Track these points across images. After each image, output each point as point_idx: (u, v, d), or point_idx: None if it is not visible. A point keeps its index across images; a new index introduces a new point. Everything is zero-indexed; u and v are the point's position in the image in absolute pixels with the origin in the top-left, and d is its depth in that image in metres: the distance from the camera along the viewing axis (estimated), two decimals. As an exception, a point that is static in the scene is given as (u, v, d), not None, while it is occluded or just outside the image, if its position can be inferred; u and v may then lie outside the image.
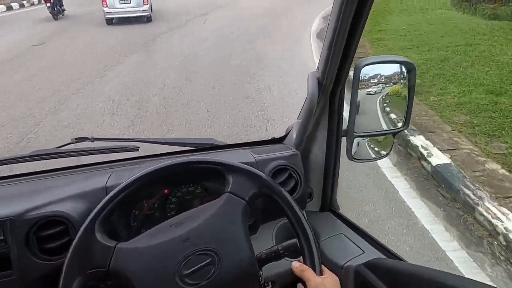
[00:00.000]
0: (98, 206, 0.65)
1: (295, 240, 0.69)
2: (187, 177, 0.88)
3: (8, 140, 3.76)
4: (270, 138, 1.07)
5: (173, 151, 1.03)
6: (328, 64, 0.75)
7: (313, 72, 0.82)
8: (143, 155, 1.04)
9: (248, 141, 1.06)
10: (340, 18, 0.65)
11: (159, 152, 1.04)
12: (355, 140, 0.91)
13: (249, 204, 0.67)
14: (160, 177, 0.71)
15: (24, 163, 1.00)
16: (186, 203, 0.88)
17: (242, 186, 0.68)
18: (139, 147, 1.02)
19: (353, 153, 0.92)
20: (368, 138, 0.97)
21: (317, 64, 0.82)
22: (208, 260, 0.60)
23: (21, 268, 0.72)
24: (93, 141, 1.07)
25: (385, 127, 0.95)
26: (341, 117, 0.88)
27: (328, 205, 1.00)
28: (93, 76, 5.81)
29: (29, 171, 0.96)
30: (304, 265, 0.67)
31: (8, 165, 1.03)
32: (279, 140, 1.04)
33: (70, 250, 0.61)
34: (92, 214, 0.64)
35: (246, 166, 0.71)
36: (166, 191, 0.86)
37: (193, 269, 0.59)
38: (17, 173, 0.97)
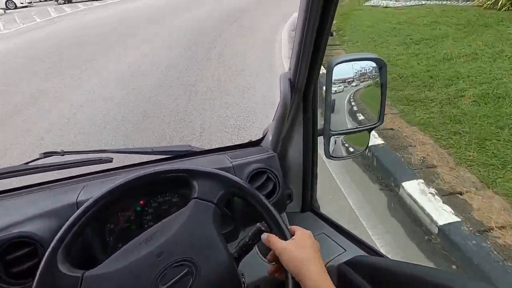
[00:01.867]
0: (58, 235, 0.60)
1: (257, 224, 0.68)
2: (161, 187, 0.86)
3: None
4: (247, 141, 1.06)
5: (148, 160, 1.00)
6: (299, 64, 0.75)
7: (285, 73, 0.81)
8: (117, 166, 1.00)
9: (225, 145, 1.05)
10: (307, 17, 0.64)
11: (133, 162, 1.01)
12: (332, 139, 0.91)
13: (219, 206, 0.65)
14: (128, 191, 0.67)
15: None
16: (163, 213, 0.85)
17: (208, 189, 0.66)
18: (112, 158, 0.98)
19: (330, 151, 0.93)
20: (344, 136, 0.98)
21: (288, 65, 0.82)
22: (185, 271, 0.58)
23: None
24: (63, 155, 1.02)
25: (360, 124, 0.96)
26: (316, 116, 0.88)
27: (309, 205, 1.00)
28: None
29: None
30: (271, 234, 0.65)
31: None
32: (256, 143, 1.03)
33: (34, 283, 0.57)
34: (52, 244, 0.59)
35: (209, 169, 0.69)
36: (141, 202, 0.84)
37: (170, 282, 0.56)
38: None
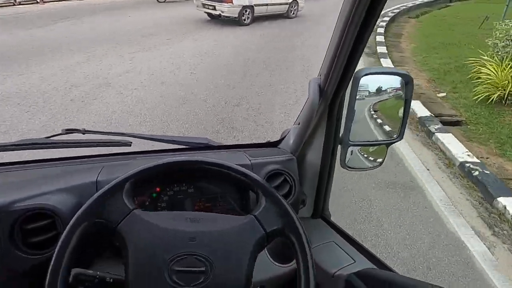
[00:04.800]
0: (133, 171, 0.65)
1: None
2: (181, 176, 0.87)
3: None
4: (265, 141, 1.06)
5: (165, 148, 1.02)
6: (331, 72, 0.75)
7: (315, 78, 0.81)
8: (135, 150, 1.02)
9: (243, 143, 1.05)
10: (347, 26, 0.64)
11: (151, 149, 1.02)
12: (349, 149, 0.92)
13: (267, 237, 0.64)
14: (182, 170, 0.70)
15: (10, 151, 0.98)
16: (177, 202, 0.87)
17: (270, 216, 0.65)
18: (131, 142, 1.00)
19: (346, 161, 0.93)
20: (361, 147, 0.98)
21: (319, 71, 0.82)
22: (201, 268, 0.58)
23: (3, 261, 0.70)
24: (84, 133, 1.05)
25: (379, 137, 0.96)
26: (339, 125, 0.88)
27: (320, 212, 1.00)
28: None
29: (16, 160, 0.94)
30: None
31: None
32: (274, 144, 1.04)
33: (92, 197, 0.61)
34: (130, 173, 0.65)
35: (283, 200, 0.68)
36: (158, 189, 0.85)
37: (184, 269, 0.57)
38: (3, 161, 0.95)
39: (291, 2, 10.93)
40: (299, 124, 0.93)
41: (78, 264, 0.59)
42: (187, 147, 1.02)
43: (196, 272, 0.58)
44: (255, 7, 9.92)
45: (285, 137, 1.02)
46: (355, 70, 0.77)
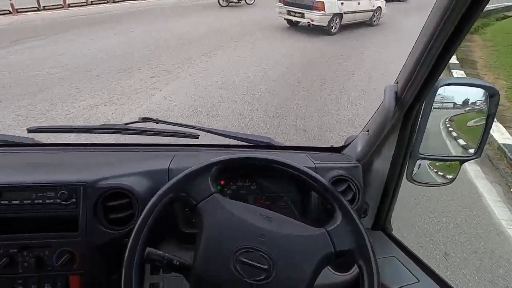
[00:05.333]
0: (223, 158, 0.71)
1: None
2: (246, 172, 0.90)
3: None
4: (328, 146, 1.05)
5: (230, 144, 1.06)
6: (411, 81, 0.71)
7: (391, 85, 0.78)
8: (202, 143, 1.08)
9: (305, 145, 1.06)
10: (436, 31, 0.60)
11: (216, 143, 1.07)
12: (418, 162, 0.87)
13: (335, 256, 0.63)
14: (263, 168, 0.74)
15: (93, 133, 1.09)
16: (239, 197, 0.90)
17: (343, 235, 0.64)
18: (199, 135, 1.06)
19: (413, 174, 0.88)
20: (431, 162, 0.92)
21: (396, 78, 0.78)
22: (264, 266, 0.59)
23: (86, 232, 0.79)
24: (157, 123, 1.13)
25: (453, 152, 0.89)
26: (413, 137, 0.83)
27: (382, 224, 0.97)
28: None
29: (100, 142, 1.05)
30: None
31: (78, 133, 1.13)
32: (338, 149, 1.02)
33: (185, 172, 0.67)
34: (219, 159, 0.70)
35: (358, 218, 0.67)
36: (222, 182, 0.89)
37: (248, 261, 0.59)
38: (88, 142, 1.06)
39: (375, 9, 10.10)
40: (367, 131, 0.90)
41: (149, 244, 0.63)
42: (250, 144, 1.05)
43: (259, 268, 0.59)
44: (344, 15, 9.02)
45: (350, 143, 1.00)
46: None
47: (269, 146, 1.04)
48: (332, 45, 7.96)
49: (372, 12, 10.09)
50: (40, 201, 0.78)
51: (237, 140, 1.05)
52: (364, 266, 0.62)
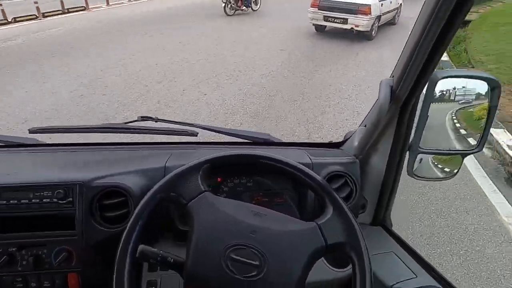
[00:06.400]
0: (213, 156, 0.70)
1: None
2: (243, 169, 0.90)
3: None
4: (327, 142, 1.04)
5: (229, 141, 1.06)
6: (405, 74, 0.71)
7: (387, 79, 0.77)
8: (200, 141, 1.07)
9: (304, 141, 1.05)
10: (428, 24, 0.60)
11: (215, 141, 1.07)
12: (419, 156, 0.86)
13: (327, 249, 0.63)
14: (255, 164, 0.73)
15: (93, 133, 1.10)
16: (236, 194, 0.90)
17: (334, 228, 0.64)
18: (197, 133, 1.06)
19: (414, 169, 0.87)
20: (433, 156, 0.91)
21: (391, 72, 0.77)
22: (256, 262, 0.59)
23: (83, 230, 0.80)
24: (156, 121, 1.13)
25: (454, 146, 0.88)
26: (410, 131, 0.82)
27: (381, 220, 0.96)
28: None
29: (99, 142, 1.05)
30: None
31: (78, 133, 1.14)
32: (337, 145, 1.01)
33: (174, 172, 0.67)
34: (209, 157, 0.69)
35: (349, 212, 0.66)
36: (219, 179, 0.89)
37: (239, 258, 0.59)
38: (87, 142, 1.07)
39: (398, 6, 9.47)
40: (365, 126, 0.89)
41: (143, 242, 0.63)
42: (248, 141, 1.05)
43: (250, 265, 0.58)
44: (381, 16, 8.24)
45: (348, 138, 0.99)
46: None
47: (268, 143, 1.03)
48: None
49: (396, 11, 9.51)
50: (38, 200, 0.78)
51: (236, 137, 1.05)
52: (356, 259, 0.62)
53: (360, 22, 7.62)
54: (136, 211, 0.63)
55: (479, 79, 0.81)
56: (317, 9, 8.00)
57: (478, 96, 0.81)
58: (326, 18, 7.98)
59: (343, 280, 0.81)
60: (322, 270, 0.74)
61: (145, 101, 4.42)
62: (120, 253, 0.60)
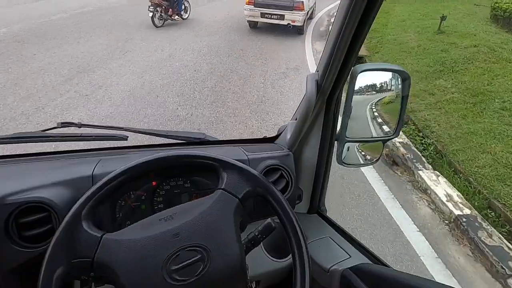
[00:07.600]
0: (86, 194, 0.62)
1: (268, 220, 0.70)
2: (177, 171, 0.87)
3: None
4: (262, 137, 1.06)
5: (162, 143, 1.02)
6: (328, 68, 0.75)
7: (312, 74, 0.81)
8: (131, 145, 1.02)
9: (240, 138, 1.05)
10: (344, 23, 0.64)
11: (147, 144, 1.02)
12: (346, 145, 0.92)
13: (242, 202, 0.66)
14: (152, 169, 0.68)
15: (5, 144, 0.97)
16: (174, 197, 0.87)
17: (236, 183, 0.67)
18: (127, 137, 1.00)
19: (343, 157, 0.93)
20: (359, 144, 0.98)
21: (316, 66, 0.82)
22: (197, 257, 0.58)
23: None
24: (80, 127, 1.04)
25: (375, 134, 0.96)
26: (336, 121, 0.88)
27: (316, 207, 1.01)
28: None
29: (11, 154, 0.93)
30: None
31: None
32: (271, 140, 1.04)
33: (54, 237, 0.58)
34: (79, 202, 0.61)
35: (241, 164, 0.70)
36: (154, 183, 0.85)
37: (181, 265, 0.57)
38: None
39: (313, 4, 9.82)
40: (296, 119, 0.93)
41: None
42: (183, 141, 1.02)
43: (194, 263, 0.58)
44: (308, 12, 8.68)
45: (282, 132, 1.02)
46: (353, 67, 0.77)
47: (203, 142, 1.01)
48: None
49: (314, 6, 10.08)
50: None
51: (169, 138, 1.01)
52: (271, 199, 0.68)
53: (296, 18, 8.10)
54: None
55: (392, 71, 0.90)
56: (253, 6, 8.27)
57: (392, 87, 0.89)
58: (263, 15, 8.29)
59: (283, 269, 0.84)
60: (264, 261, 0.75)
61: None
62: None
